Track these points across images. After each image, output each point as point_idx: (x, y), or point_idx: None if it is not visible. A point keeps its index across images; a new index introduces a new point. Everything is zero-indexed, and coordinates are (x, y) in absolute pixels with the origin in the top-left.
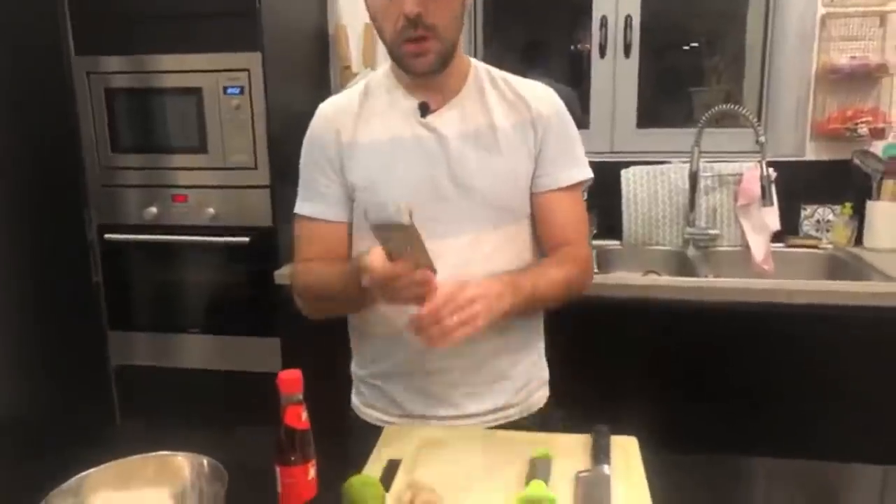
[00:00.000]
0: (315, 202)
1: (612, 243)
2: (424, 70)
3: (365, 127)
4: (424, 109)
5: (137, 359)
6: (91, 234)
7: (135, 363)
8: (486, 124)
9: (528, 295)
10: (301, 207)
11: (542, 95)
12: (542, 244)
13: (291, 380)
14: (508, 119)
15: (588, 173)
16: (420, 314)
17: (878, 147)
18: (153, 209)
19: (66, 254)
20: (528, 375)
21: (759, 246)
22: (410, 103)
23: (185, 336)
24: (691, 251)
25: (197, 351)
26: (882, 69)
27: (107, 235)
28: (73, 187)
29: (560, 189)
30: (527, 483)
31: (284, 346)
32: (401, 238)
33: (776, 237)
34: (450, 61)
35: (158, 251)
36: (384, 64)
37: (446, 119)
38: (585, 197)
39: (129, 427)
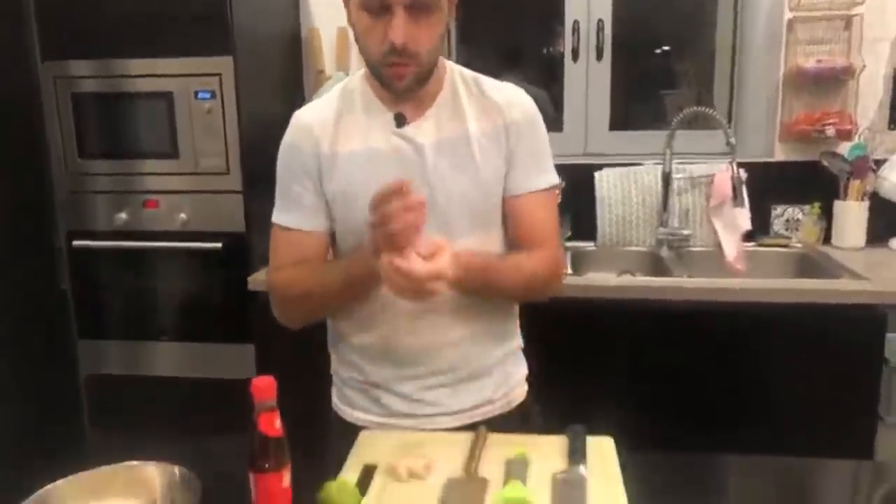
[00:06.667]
0: (293, 212)
1: (586, 244)
2: (402, 90)
3: (343, 138)
4: (401, 120)
5: (108, 368)
6: (59, 240)
7: (105, 372)
8: (461, 132)
9: (480, 269)
10: (278, 217)
11: (514, 100)
12: (514, 247)
13: (264, 386)
14: (482, 125)
15: (557, 178)
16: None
17: (844, 148)
18: (123, 215)
19: (33, 261)
20: (508, 371)
21: (731, 246)
22: (387, 114)
23: (157, 344)
24: (665, 252)
25: (169, 359)
26: (848, 72)
27: (75, 242)
28: (41, 194)
29: (531, 193)
30: (504, 484)
31: (259, 352)
32: None
33: (747, 237)
34: (427, 80)
35: (129, 258)
36: (359, 69)
37: (422, 129)
38: (559, 200)
39: (98, 437)
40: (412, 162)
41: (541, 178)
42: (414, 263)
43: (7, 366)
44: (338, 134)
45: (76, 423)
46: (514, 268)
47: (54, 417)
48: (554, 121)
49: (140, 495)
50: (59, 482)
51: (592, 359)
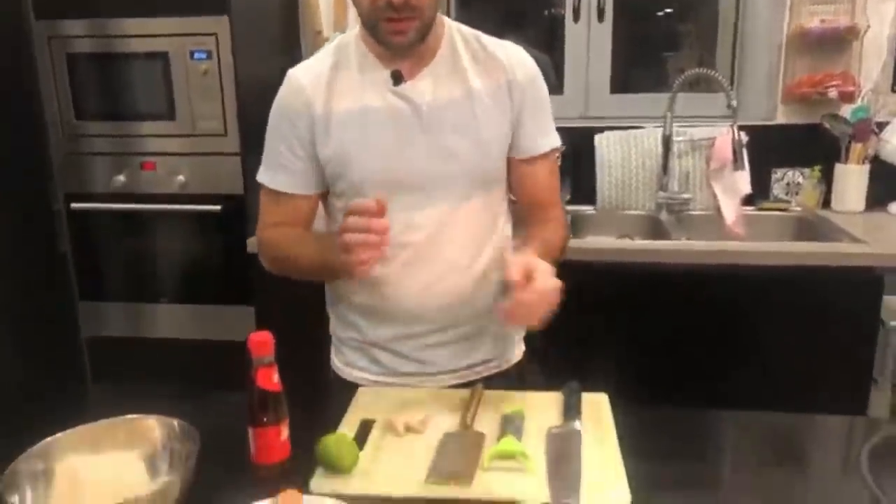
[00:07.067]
0: (279, 174)
1: (586, 208)
2: (403, 46)
3: (337, 98)
4: (398, 78)
5: (109, 329)
6: (57, 203)
7: (106, 334)
8: (462, 91)
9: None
10: (263, 176)
11: (517, 59)
12: (519, 207)
13: (262, 342)
14: (484, 83)
15: (558, 140)
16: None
17: (846, 110)
18: (121, 177)
19: (31, 224)
20: (506, 331)
21: (731, 209)
22: (383, 72)
23: (158, 306)
24: (664, 215)
25: (169, 320)
26: (852, 32)
27: (73, 205)
28: (38, 156)
29: (534, 157)
30: (499, 438)
31: (259, 314)
32: None
33: (747, 200)
34: (428, 34)
35: (127, 220)
36: (355, 27)
37: (420, 87)
38: (559, 162)
39: (99, 393)
40: (409, 121)
41: (543, 140)
42: (530, 290)
43: (8, 329)
44: (332, 92)
45: (78, 385)
46: (548, 245)
47: (56, 380)
48: (555, 85)
49: (139, 446)
50: (60, 435)
51: (591, 322)
